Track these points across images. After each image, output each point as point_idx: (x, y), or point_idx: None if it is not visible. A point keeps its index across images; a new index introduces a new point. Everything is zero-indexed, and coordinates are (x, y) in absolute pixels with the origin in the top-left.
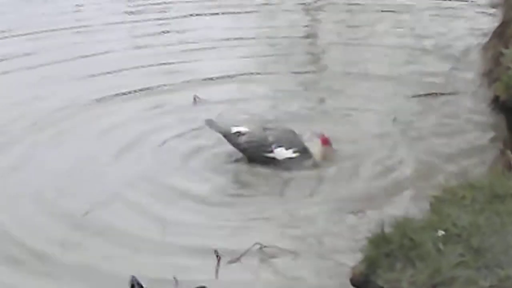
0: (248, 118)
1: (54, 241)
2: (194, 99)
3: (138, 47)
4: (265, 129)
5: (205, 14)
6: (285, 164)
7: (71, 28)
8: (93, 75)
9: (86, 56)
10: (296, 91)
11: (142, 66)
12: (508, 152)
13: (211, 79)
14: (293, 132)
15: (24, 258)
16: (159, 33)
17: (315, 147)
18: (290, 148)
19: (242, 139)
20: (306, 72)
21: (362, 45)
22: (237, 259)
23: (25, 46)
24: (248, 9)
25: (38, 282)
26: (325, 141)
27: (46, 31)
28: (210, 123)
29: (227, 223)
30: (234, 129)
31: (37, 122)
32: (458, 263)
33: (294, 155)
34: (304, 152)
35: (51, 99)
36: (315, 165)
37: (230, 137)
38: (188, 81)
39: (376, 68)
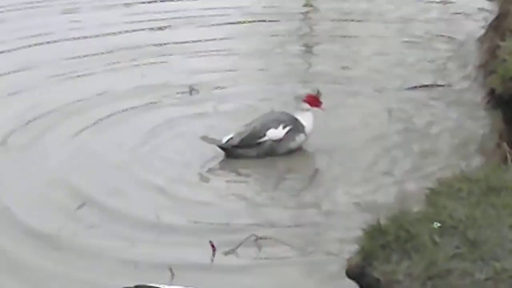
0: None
1: (51, 232)
2: (190, 90)
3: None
4: (246, 125)
5: None
6: (282, 144)
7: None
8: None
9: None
10: (288, 84)
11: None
12: (504, 144)
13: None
14: (276, 112)
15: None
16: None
17: (306, 118)
18: (279, 125)
19: (234, 140)
20: (298, 63)
21: (357, 37)
22: (233, 250)
23: None
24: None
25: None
26: (313, 101)
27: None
28: (205, 138)
29: (223, 215)
30: (225, 138)
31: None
32: (454, 255)
33: (285, 130)
34: (294, 123)
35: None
36: (307, 137)
37: (225, 146)
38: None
39: (370, 60)
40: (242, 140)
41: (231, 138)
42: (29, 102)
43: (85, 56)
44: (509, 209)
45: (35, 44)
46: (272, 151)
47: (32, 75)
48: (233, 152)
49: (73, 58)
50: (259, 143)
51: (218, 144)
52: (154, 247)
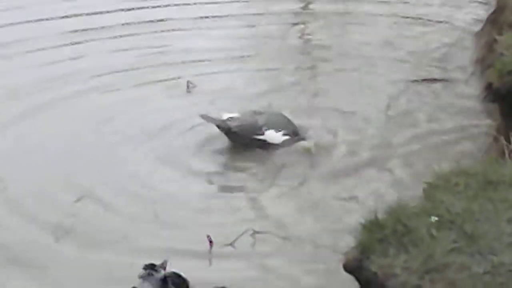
0: (239, 104)
1: (47, 227)
2: (187, 85)
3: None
4: (255, 113)
5: None
6: (275, 147)
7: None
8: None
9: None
10: (286, 76)
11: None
12: (502, 138)
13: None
14: (284, 116)
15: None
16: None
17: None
18: (280, 131)
19: (233, 123)
20: (296, 57)
21: (355, 32)
22: (230, 245)
23: None
24: None
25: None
26: None
27: None
28: (204, 117)
29: (220, 209)
30: (225, 116)
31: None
32: (452, 249)
33: (284, 138)
34: (294, 135)
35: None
36: (306, 150)
37: (223, 125)
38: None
39: (369, 54)
40: (239, 126)
41: (232, 119)
42: None
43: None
44: (506, 203)
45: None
46: (264, 148)
47: None
48: (228, 133)
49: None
50: (254, 139)
51: (216, 123)
52: (151, 240)
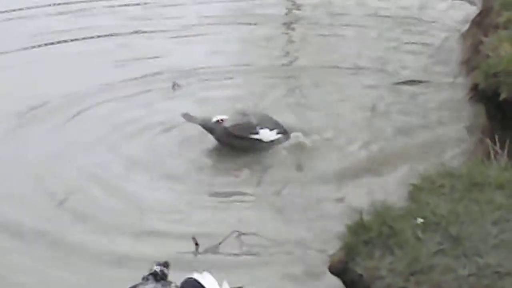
0: (225, 105)
1: (32, 224)
2: (173, 85)
3: None
4: (244, 114)
5: None
6: (269, 146)
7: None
8: None
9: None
10: (272, 81)
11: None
12: (487, 140)
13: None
14: (270, 116)
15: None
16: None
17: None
18: (273, 129)
19: (226, 124)
20: (282, 62)
21: (338, 35)
22: (216, 247)
23: None
24: None
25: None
26: None
27: None
28: (187, 116)
29: (205, 210)
30: (215, 118)
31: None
32: (437, 251)
33: (277, 136)
34: (285, 133)
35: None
36: (298, 146)
37: (212, 126)
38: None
39: (353, 56)
40: (234, 126)
41: (222, 121)
42: None
43: None
44: (491, 205)
45: None
46: (257, 148)
47: None
48: (219, 135)
49: None
50: (250, 138)
51: (201, 123)
52: (136, 242)
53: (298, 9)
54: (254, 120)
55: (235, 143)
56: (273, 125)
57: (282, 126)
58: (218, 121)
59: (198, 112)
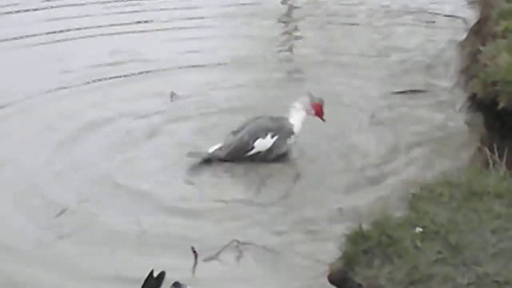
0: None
1: (29, 239)
2: (171, 95)
3: None
4: (233, 133)
5: None
6: (270, 152)
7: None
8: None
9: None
10: (269, 85)
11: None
12: (486, 149)
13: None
14: (265, 117)
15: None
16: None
17: (295, 119)
18: (266, 134)
19: (221, 153)
20: (283, 67)
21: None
22: (215, 256)
23: None
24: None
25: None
26: (319, 110)
27: None
28: (192, 154)
29: (204, 220)
30: (212, 149)
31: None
32: (436, 260)
33: (273, 139)
34: (281, 131)
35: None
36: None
37: (212, 158)
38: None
39: (353, 67)
40: (229, 153)
41: (219, 149)
42: None
43: None
44: (490, 214)
45: None
46: (262, 160)
47: None
48: (221, 161)
49: None
50: (248, 156)
51: (205, 157)
52: (135, 254)
53: (298, 6)
54: (246, 136)
55: (238, 162)
56: (266, 130)
57: (277, 123)
58: (216, 150)
59: (197, 112)
